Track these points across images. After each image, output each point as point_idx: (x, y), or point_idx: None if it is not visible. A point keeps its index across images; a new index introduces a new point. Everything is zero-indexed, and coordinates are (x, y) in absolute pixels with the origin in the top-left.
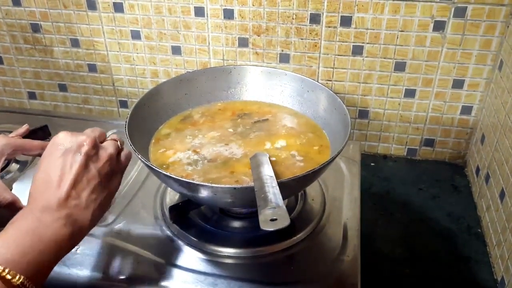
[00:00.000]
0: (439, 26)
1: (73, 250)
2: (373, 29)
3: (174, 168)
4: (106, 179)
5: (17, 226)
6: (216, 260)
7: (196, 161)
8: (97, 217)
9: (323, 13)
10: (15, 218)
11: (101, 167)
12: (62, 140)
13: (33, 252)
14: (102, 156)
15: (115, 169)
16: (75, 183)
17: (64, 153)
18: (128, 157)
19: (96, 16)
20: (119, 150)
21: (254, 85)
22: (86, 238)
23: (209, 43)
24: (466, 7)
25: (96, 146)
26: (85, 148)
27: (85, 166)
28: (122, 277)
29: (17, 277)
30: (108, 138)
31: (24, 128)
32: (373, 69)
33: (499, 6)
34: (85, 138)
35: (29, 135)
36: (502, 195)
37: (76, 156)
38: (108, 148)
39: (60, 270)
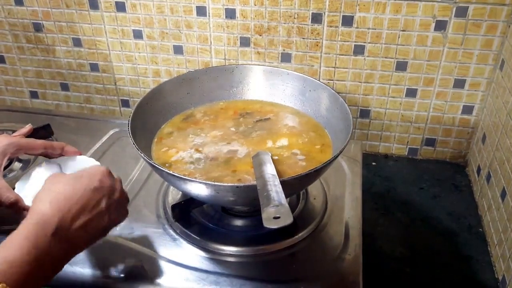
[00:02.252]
0: (440, 25)
1: None
2: (375, 29)
3: (176, 166)
4: (109, 211)
5: (26, 238)
6: (218, 258)
7: (199, 159)
8: (94, 242)
9: (324, 13)
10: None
11: (113, 222)
12: (102, 175)
13: (30, 271)
14: (121, 215)
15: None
16: (89, 222)
17: (98, 189)
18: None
19: (98, 16)
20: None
21: (256, 84)
22: None
23: (211, 43)
24: (468, 6)
25: (122, 201)
26: (115, 196)
27: (106, 211)
28: (124, 275)
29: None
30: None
31: (27, 127)
32: (375, 69)
33: (501, 6)
34: (119, 187)
35: (31, 134)
36: (503, 194)
37: (104, 200)
38: (124, 198)
39: (63, 268)
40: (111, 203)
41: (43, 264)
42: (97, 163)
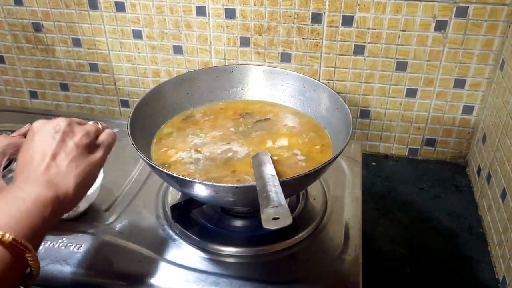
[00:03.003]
0: (440, 25)
1: (75, 249)
2: (375, 29)
3: (176, 167)
4: (86, 150)
5: (1, 197)
6: (218, 259)
7: (198, 160)
8: (81, 183)
9: (324, 13)
10: None
11: (78, 140)
12: (38, 125)
13: (19, 214)
14: (78, 131)
15: (95, 144)
16: (53, 157)
17: (41, 135)
18: (112, 136)
19: (98, 16)
20: (99, 131)
21: (256, 85)
22: (88, 237)
23: (210, 43)
24: (468, 6)
25: (71, 124)
26: (61, 127)
27: (62, 141)
28: (123, 276)
29: (7, 236)
30: (90, 122)
31: (26, 127)
32: (375, 69)
33: (501, 6)
34: (60, 119)
35: None
36: (503, 194)
37: (53, 135)
38: (85, 126)
39: (63, 268)
40: (62, 133)
41: (37, 213)
42: None
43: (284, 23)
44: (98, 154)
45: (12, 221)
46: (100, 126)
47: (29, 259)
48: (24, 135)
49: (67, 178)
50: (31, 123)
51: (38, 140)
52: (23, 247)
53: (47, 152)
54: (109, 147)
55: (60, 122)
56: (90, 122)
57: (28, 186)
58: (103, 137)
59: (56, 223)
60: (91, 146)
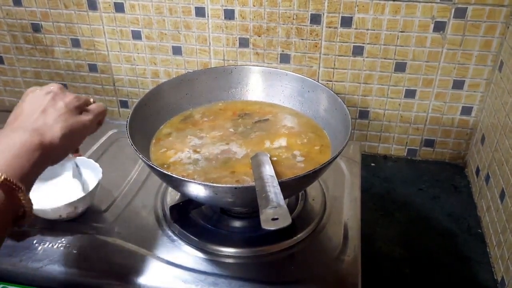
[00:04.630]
0: (439, 26)
1: (74, 250)
2: (374, 30)
3: (175, 168)
4: (75, 111)
5: None
6: (217, 259)
7: (197, 161)
8: (67, 135)
9: (323, 14)
10: None
11: (68, 101)
12: (31, 89)
13: (9, 157)
14: (69, 95)
15: (84, 109)
16: (43, 111)
17: (33, 96)
18: (101, 106)
19: (97, 16)
20: (89, 100)
21: (255, 85)
22: (86, 237)
23: (209, 43)
24: (467, 7)
25: (62, 89)
26: (53, 89)
27: (52, 100)
28: (122, 276)
29: None
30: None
31: None
32: (374, 70)
33: (499, 7)
34: (52, 84)
35: None
36: (502, 195)
37: (44, 95)
38: (75, 93)
39: (62, 269)
40: (53, 94)
41: (26, 156)
42: (96, 164)
43: (283, 24)
44: (87, 117)
45: (2, 163)
46: (91, 100)
47: (21, 197)
48: None
49: (54, 128)
50: None
51: (29, 100)
52: (15, 186)
53: (37, 108)
54: (98, 115)
55: (52, 86)
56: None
57: (15, 133)
58: (93, 106)
59: (44, 169)
60: (80, 109)
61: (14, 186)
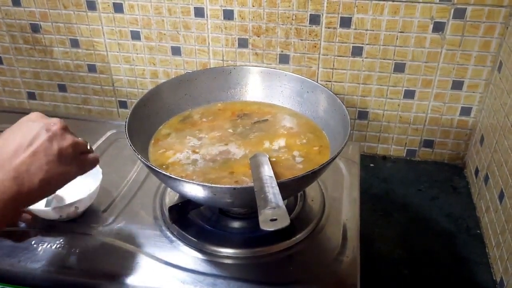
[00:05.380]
0: (438, 27)
1: (73, 250)
2: (373, 30)
3: (173, 168)
4: (64, 160)
5: None
6: (216, 260)
7: (196, 161)
8: (45, 188)
9: (322, 14)
10: None
11: (63, 147)
12: (34, 117)
13: None
14: (68, 139)
15: (77, 157)
16: (32, 154)
17: (32, 126)
18: (94, 161)
19: (96, 17)
20: (87, 148)
21: (254, 86)
22: (85, 238)
23: (209, 44)
24: (466, 8)
25: (64, 129)
26: (54, 127)
27: (48, 141)
28: (121, 277)
29: None
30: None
31: None
32: (373, 70)
33: (499, 8)
34: (56, 120)
35: None
36: (501, 196)
37: (42, 131)
38: (76, 138)
39: (60, 270)
40: (52, 133)
41: None
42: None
43: (282, 25)
44: (73, 169)
45: None
46: (88, 146)
47: None
48: None
49: (35, 178)
50: None
51: (26, 129)
52: None
53: (29, 146)
54: (86, 168)
55: (56, 123)
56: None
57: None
58: (85, 157)
59: (12, 214)
60: (72, 158)
61: None
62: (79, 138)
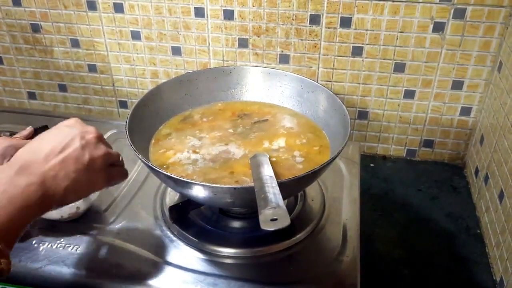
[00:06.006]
0: (438, 27)
1: (73, 250)
2: (373, 30)
3: (174, 168)
4: (93, 170)
5: None
6: (216, 260)
7: (196, 161)
8: (70, 195)
9: (323, 14)
10: None
11: (94, 157)
12: (73, 123)
13: (4, 215)
14: (101, 149)
15: (106, 170)
16: (63, 161)
17: (68, 132)
18: (125, 175)
19: (96, 17)
20: (118, 161)
21: (254, 86)
22: (86, 238)
23: (209, 44)
24: (466, 8)
25: (99, 139)
26: (88, 136)
27: (81, 149)
28: (121, 277)
29: None
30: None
31: (28, 130)
32: (373, 70)
33: (498, 8)
34: (93, 129)
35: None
36: (501, 196)
37: (77, 138)
38: (109, 149)
39: (61, 269)
40: (86, 142)
41: (20, 214)
42: None
43: (283, 25)
44: (100, 180)
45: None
46: (121, 158)
47: (2, 260)
48: (25, 138)
49: (60, 186)
50: (32, 126)
51: (62, 134)
52: None
53: (61, 152)
54: (112, 181)
55: (91, 132)
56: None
57: (20, 180)
58: (116, 170)
59: (32, 221)
60: (100, 169)
61: None
62: (113, 150)
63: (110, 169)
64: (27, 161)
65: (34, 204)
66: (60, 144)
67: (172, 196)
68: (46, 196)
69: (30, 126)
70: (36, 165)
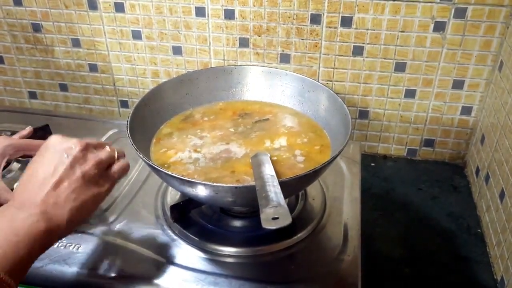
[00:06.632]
0: (439, 26)
1: (74, 249)
2: (374, 30)
3: (175, 167)
4: (90, 182)
5: None
6: (217, 259)
7: (197, 160)
8: (76, 216)
9: (323, 14)
10: None
11: (86, 170)
12: (53, 142)
13: (9, 247)
14: (90, 160)
15: (104, 174)
16: (56, 184)
17: (52, 154)
18: (125, 169)
19: (97, 16)
20: (113, 159)
21: (255, 85)
22: (87, 237)
23: (210, 43)
24: (466, 7)
25: (85, 149)
26: (73, 151)
27: (70, 167)
28: (122, 276)
29: None
30: (107, 148)
31: (27, 130)
32: (374, 70)
33: (499, 7)
34: (75, 141)
35: (31, 135)
36: (502, 195)
37: (63, 158)
38: (99, 154)
39: (62, 268)
40: (73, 158)
41: (26, 245)
42: None
43: (283, 24)
44: (103, 187)
45: (1, 256)
46: (115, 154)
47: None
48: (25, 138)
49: (62, 211)
50: (33, 126)
51: (47, 159)
52: (5, 284)
53: (51, 179)
54: (119, 177)
55: (75, 145)
56: (107, 148)
57: (21, 214)
58: (115, 168)
59: (41, 254)
60: (98, 177)
61: (4, 284)
62: (106, 147)
63: (108, 171)
64: (24, 196)
65: (39, 236)
66: (49, 170)
67: (173, 195)
68: (51, 227)
69: (30, 126)
70: (33, 198)
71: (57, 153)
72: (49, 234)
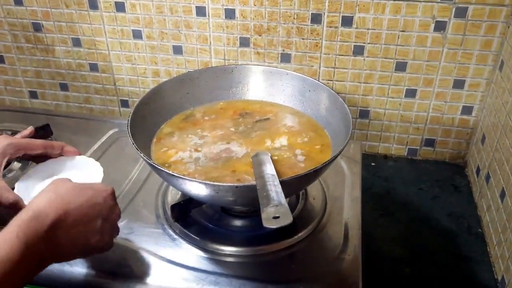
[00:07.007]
0: (440, 26)
1: None
2: (374, 29)
3: (176, 167)
4: (105, 236)
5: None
6: (218, 258)
7: (198, 160)
8: (72, 256)
9: (324, 13)
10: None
11: (110, 220)
12: (108, 197)
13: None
14: (116, 229)
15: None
16: (80, 233)
17: (95, 205)
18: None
19: (98, 16)
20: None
21: (256, 85)
22: None
23: (210, 43)
24: (467, 7)
25: (118, 216)
26: (112, 217)
27: (100, 229)
28: (123, 275)
29: None
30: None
31: (28, 130)
32: (374, 69)
33: (500, 7)
34: (118, 211)
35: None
36: (502, 195)
37: (99, 219)
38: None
39: (62, 268)
40: (105, 224)
41: (28, 264)
42: (97, 163)
43: (284, 24)
44: (102, 239)
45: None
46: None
47: None
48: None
49: (70, 252)
50: (34, 125)
51: (87, 194)
52: None
53: (81, 219)
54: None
55: (115, 211)
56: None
57: (44, 242)
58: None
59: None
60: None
61: None
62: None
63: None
64: (51, 221)
65: (43, 259)
66: (84, 217)
67: (173, 195)
68: (53, 258)
69: (31, 126)
70: (56, 229)
71: (100, 208)
72: (45, 264)
